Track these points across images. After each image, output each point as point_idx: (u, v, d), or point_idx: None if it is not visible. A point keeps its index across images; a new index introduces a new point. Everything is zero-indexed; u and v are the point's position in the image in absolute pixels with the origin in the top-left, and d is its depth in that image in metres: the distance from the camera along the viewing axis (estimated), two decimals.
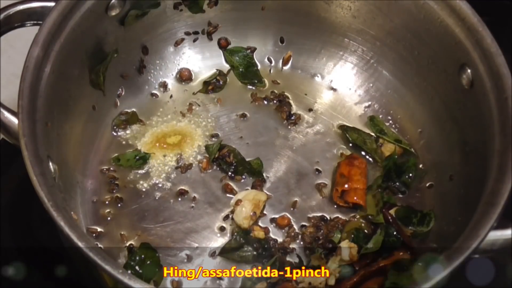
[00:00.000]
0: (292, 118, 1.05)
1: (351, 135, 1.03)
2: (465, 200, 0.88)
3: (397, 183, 0.98)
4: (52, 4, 0.86)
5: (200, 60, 1.08)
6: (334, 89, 1.09)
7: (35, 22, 0.87)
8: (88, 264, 0.72)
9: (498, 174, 0.79)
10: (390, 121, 1.05)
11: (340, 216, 0.96)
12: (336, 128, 1.05)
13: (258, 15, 1.06)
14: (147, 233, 0.93)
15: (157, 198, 0.96)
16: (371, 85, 1.07)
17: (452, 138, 0.95)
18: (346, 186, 0.97)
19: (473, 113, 0.89)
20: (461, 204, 0.88)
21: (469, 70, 0.89)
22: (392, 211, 0.94)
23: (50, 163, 0.81)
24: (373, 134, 1.04)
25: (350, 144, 1.03)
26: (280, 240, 0.93)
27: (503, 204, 0.76)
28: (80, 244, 0.70)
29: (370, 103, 1.07)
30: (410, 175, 0.98)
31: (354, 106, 1.07)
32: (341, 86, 1.09)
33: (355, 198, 0.96)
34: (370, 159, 1.02)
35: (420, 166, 1.00)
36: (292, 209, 0.96)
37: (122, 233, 0.93)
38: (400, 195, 0.98)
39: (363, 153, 1.02)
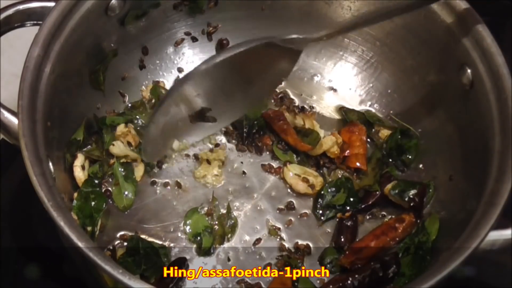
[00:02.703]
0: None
1: (350, 117, 1.04)
2: (465, 200, 0.88)
3: (398, 161, 1.00)
4: (52, 4, 0.85)
5: (200, 60, 1.08)
6: (334, 89, 1.09)
7: (35, 22, 0.87)
8: (88, 264, 0.72)
9: (498, 174, 0.80)
10: (390, 121, 1.05)
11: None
12: (335, 112, 1.07)
13: (258, 15, 1.06)
14: (147, 233, 0.93)
15: (157, 198, 0.97)
16: (371, 85, 1.07)
17: (452, 138, 0.95)
18: (347, 152, 0.99)
19: (473, 113, 0.89)
20: (461, 204, 0.88)
21: (469, 70, 0.89)
22: (389, 186, 0.96)
23: (50, 163, 0.80)
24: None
25: None
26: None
27: (503, 204, 0.77)
28: (80, 244, 0.70)
29: (370, 103, 1.07)
30: (410, 157, 1.00)
31: (354, 106, 1.07)
32: (341, 86, 1.09)
33: (357, 163, 0.99)
34: (369, 140, 1.03)
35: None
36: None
37: (122, 233, 0.93)
38: (399, 173, 1.00)
39: None
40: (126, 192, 0.95)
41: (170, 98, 0.88)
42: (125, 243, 0.91)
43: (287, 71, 0.92)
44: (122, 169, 0.96)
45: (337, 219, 0.96)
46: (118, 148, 0.96)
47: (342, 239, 0.93)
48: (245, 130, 1.02)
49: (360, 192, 0.98)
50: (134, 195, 0.95)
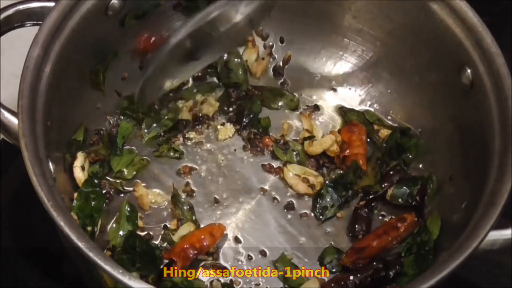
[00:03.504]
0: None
1: (350, 117, 1.04)
2: (465, 200, 0.88)
3: (397, 161, 1.00)
4: (52, 4, 0.85)
5: None
6: (334, 89, 1.09)
7: (35, 22, 0.87)
8: (88, 264, 0.72)
9: (498, 174, 0.79)
10: (390, 121, 1.05)
11: None
12: (335, 112, 1.06)
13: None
14: (146, 233, 0.93)
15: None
16: (371, 85, 1.07)
17: (452, 138, 0.95)
18: (347, 152, 0.99)
19: (473, 113, 0.89)
20: (461, 204, 0.88)
21: (469, 70, 0.89)
22: (390, 192, 0.96)
23: (50, 163, 0.80)
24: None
25: None
26: None
27: (503, 204, 0.77)
28: (80, 244, 0.70)
29: (370, 103, 1.07)
30: (410, 156, 1.00)
31: (354, 106, 1.07)
32: (341, 86, 1.08)
33: None
34: (369, 139, 1.03)
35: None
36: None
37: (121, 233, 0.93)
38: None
39: None
40: (122, 232, 0.93)
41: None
42: None
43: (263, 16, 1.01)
44: (129, 209, 0.93)
45: (336, 217, 0.96)
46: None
47: (357, 228, 0.93)
48: (244, 120, 1.02)
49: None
50: None
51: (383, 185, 0.97)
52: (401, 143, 1.00)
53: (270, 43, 1.08)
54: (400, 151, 1.00)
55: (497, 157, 0.81)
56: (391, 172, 0.98)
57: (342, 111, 1.06)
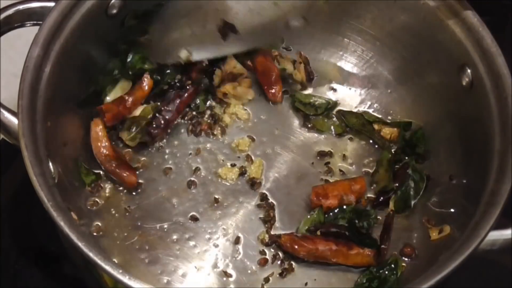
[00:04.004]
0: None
1: (349, 119, 1.04)
2: (465, 200, 0.88)
3: (413, 156, 0.99)
4: (52, 4, 0.86)
5: None
6: (334, 89, 1.09)
7: (35, 22, 0.87)
8: (88, 264, 0.72)
9: (498, 174, 0.80)
10: (390, 121, 1.05)
11: None
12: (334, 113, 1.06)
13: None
14: (147, 233, 0.93)
15: (157, 197, 0.97)
16: (371, 85, 1.07)
17: (452, 138, 0.95)
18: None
19: (473, 113, 0.89)
20: (461, 204, 0.88)
21: (469, 70, 0.89)
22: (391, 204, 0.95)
23: (50, 163, 0.81)
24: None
25: (348, 129, 1.04)
26: None
27: (503, 204, 0.77)
28: (80, 244, 0.70)
29: (370, 103, 1.07)
30: (423, 147, 0.99)
31: (354, 106, 1.07)
32: (341, 86, 1.09)
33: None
34: (371, 141, 1.03)
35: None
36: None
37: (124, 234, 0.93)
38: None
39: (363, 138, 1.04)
40: None
41: None
42: None
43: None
44: None
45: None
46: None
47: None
48: None
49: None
50: None
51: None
52: (409, 139, 1.00)
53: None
54: (412, 147, 1.00)
55: (497, 157, 0.82)
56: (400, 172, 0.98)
57: (341, 114, 1.05)
